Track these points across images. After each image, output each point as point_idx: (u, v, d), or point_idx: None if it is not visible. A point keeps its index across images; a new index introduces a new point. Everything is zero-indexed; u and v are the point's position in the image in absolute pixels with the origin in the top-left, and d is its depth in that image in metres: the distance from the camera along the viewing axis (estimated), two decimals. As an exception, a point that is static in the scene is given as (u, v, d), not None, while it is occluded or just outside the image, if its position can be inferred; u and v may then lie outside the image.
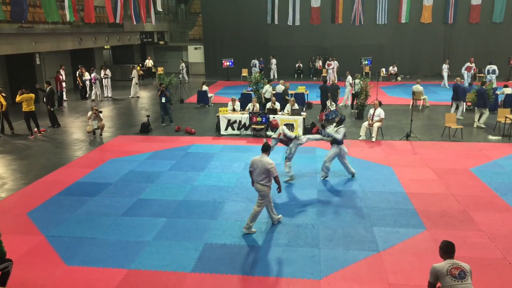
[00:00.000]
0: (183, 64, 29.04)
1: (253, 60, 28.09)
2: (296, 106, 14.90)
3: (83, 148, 13.20)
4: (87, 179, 10.40)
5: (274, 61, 28.63)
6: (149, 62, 30.86)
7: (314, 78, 29.06)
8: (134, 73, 23.17)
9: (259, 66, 27.58)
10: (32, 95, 14.51)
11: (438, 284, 4.81)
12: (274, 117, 13.46)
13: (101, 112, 14.58)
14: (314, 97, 21.13)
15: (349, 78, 19.58)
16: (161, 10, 27.86)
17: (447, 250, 4.86)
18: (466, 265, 4.77)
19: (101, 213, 8.51)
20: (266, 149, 7.54)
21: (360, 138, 13.64)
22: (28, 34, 18.55)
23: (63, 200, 9.19)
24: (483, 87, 15.42)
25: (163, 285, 6.15)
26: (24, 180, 10.52)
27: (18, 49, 18.31)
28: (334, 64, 26.64)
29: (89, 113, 14.31)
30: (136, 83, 23.26)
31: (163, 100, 15.98)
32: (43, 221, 8.18)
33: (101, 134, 14.41)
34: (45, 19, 19.09)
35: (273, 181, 7.44)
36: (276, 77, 27.67)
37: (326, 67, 26.88)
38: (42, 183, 10.29)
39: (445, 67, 24.96)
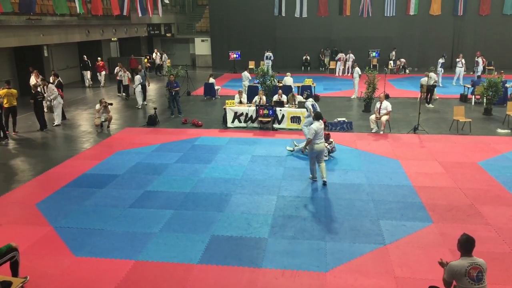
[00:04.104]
0: (165, 55, 28.68)
1: (266, 53, 27.25)
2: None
3: (91, 140, 13.27)
4: (94, 171, 10.47)
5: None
6: (156, 56, 28.91)
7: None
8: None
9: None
10: (14, 91, 13.81)
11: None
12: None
13: (111, 104, 14.60)
14: (321, 90, 21.08)
15: (358, 69, 19.53)
16: (168, 1, 27.79)
17: (468, 247, 4.57)
18: (483, 262, 4.55)
19: (108, 205, 8.58)
20: (321, 117, 9.72)
21: (373, 131, 13.58)
22: (36, 26, 18.63)
23: (71, 191, 9.26)
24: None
25: (169, 276, 6.20)
26: (33, 171, 10.61)
27: (26, 41, 18.40)
28: (342, 56, 26.58)
29: (97, 106, 14.34)
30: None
31: (173, 92, 16.02)
32: (52, 212, 8.26)
33: (108, 126, 14.40)
34: (52, 11, 19.15)
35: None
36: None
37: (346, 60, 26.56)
38: (50, 174, 10.37)
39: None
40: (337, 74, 26.77)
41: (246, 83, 19.11)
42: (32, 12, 17.27)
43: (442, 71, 22.58)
